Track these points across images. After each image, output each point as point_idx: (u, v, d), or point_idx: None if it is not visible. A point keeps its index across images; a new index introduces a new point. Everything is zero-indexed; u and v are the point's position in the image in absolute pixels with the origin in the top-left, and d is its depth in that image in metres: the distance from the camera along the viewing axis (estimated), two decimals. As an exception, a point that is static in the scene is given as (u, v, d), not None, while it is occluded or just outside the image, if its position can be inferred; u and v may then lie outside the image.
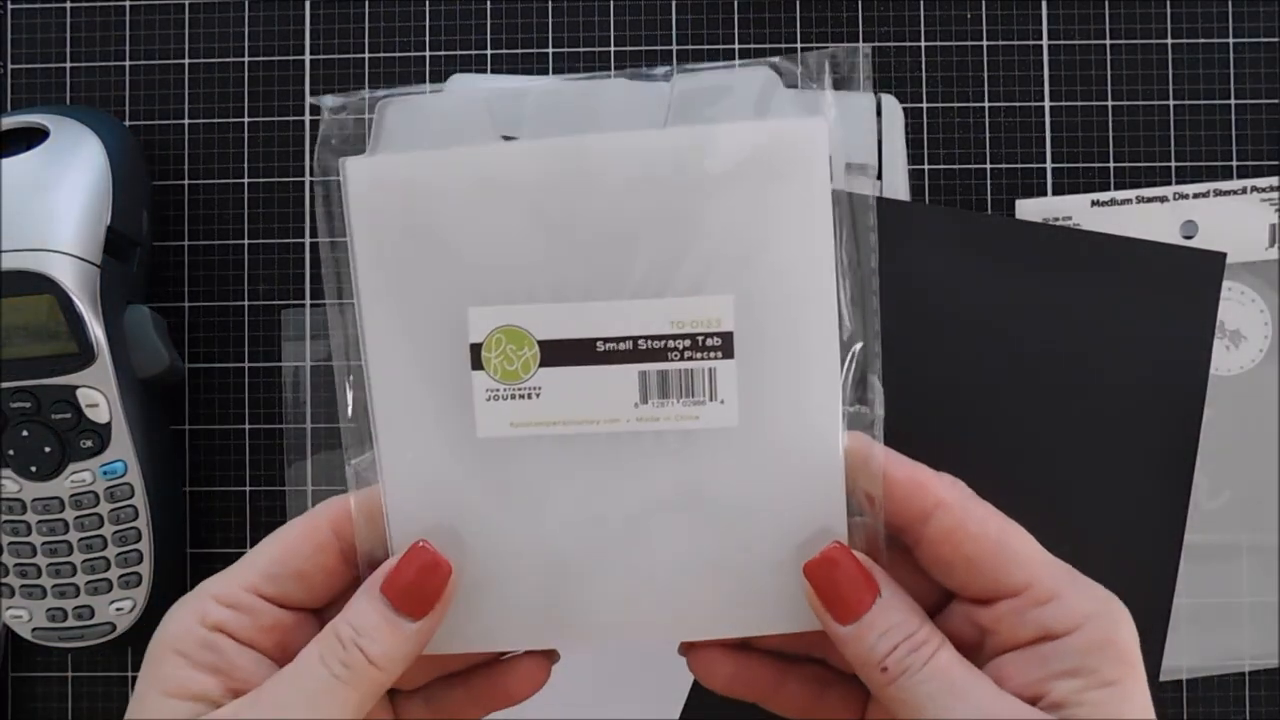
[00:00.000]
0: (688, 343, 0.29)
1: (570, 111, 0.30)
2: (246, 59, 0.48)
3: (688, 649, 0.31)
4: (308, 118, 0.48)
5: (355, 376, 0.30)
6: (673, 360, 0.29)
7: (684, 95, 0.30)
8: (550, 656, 0.32)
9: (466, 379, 0.30)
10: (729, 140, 0.29)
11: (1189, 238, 0.46)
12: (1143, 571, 0.38)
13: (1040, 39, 0.48)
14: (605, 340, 0.29)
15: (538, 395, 0.30)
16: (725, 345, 0.29)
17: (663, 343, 0.29)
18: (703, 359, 0.29)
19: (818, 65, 0.30)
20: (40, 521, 0.43)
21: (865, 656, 0.28)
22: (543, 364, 0.30)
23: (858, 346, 0.30)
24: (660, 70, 0.30)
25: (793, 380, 0.29)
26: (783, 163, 0.29)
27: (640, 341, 0.29)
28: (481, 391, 0.30)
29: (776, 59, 0.30)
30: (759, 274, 0.29)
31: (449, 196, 0.29)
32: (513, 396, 0.30)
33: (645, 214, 0.29)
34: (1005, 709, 0.27)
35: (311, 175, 0.30)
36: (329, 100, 0.31)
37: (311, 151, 0.48)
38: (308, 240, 0.48)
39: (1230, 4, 0.47)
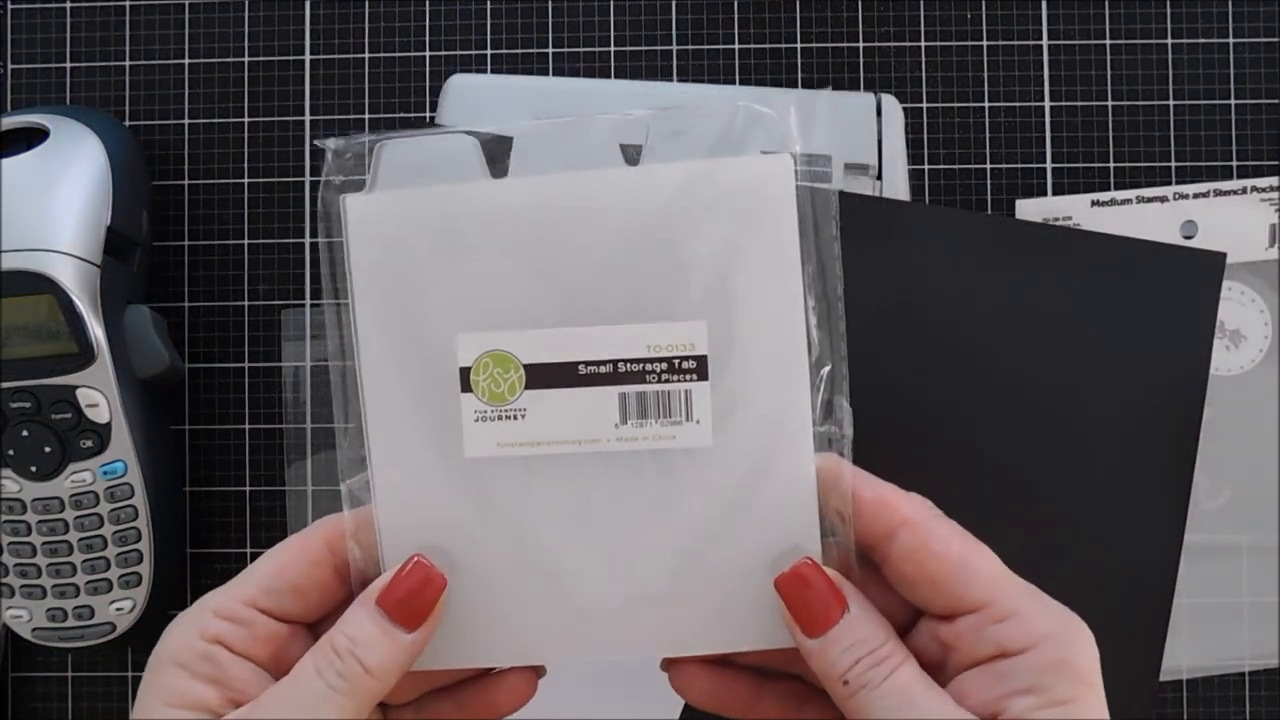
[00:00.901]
0: (664, 365, 0.31)
1: (554, 149, 0.32)
2: (246, 59, 0.48)
3: (668, 664, 0.32)
4: (308, 118, 0.48)
5: (352, 404, 0.32)
6: (650, 382, 0.31)
7: (660, 134, 0.32)
8: (537, 671, 0.32)
9: (456, 401, 0.31)
10: (702, 176, 0.31)
11: (1189, 238, 0.46)
12: (1143, 571, 0.38)
13: (1040, 39, 0.48)
14: (587, 364, 0.31)
15: (523, 416, 0.31)
16: (700, 368, 0.31)
17: (641, 365, 0.31)
18: (679, 381, 0.31)
19: (783, 108, 0.31)
20: (40, 521, 0.43)
21: (829, 670, 0.29)
22: (528, 386, 0.31)
23: (826, 369, 0.31)
24: (639, 112, 0.32)
25: (765, 402, 0.31)
26: (752, 197, 0.31)
27: (620, 365, 0.31)
28: (470, 413, 0.31)
29: (745, 103, 0.32)
30: (731, 302, 0.31)
31: (441, 230, 0.31)
32: (499, 418, 0.31)
33: (623, 246, 0.31)
34: None
35: (313, 212, 0.32)
36: (332, 143, 0.32)
37: (310, 153, 0.48)
38: (308, 240, 0.48)
39: (1230, 4, 0.47)
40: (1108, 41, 0.47)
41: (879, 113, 0.44)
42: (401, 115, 0.48)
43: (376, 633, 0.29)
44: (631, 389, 0.31)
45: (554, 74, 0.48)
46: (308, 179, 0.48)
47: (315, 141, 0.34)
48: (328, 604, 0.31)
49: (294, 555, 0.31)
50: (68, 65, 0.48)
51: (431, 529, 0.31)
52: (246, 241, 0.48)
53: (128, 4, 0.49)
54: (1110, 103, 0.47)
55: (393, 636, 0.29)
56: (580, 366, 0.31)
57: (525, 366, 0.31)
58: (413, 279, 0.31)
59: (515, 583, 0.31)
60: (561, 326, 0.31)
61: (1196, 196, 0.46)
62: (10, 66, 0.48)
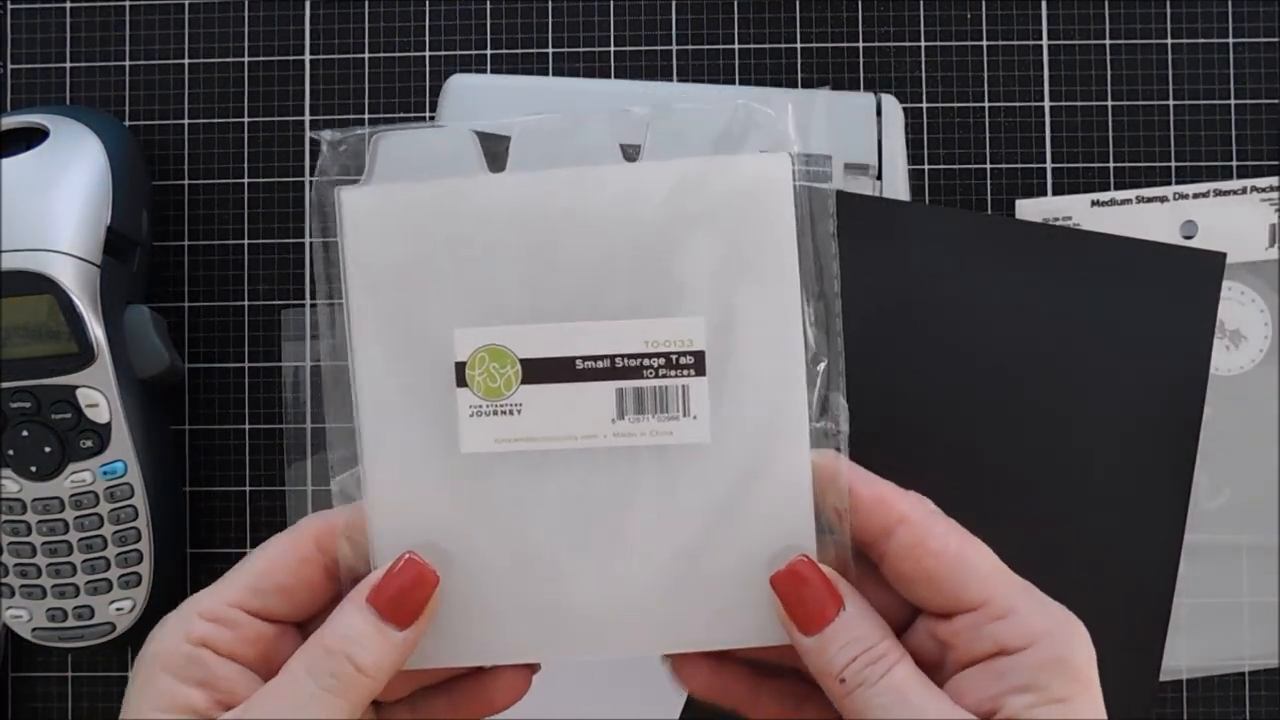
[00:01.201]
0: (662, 361, 0.31)
1: (552, 146, 0.32)
2: (246, 59, 0.48)
3: (667, 656, 0.32)
4: (308, 118, 0.48)
5: (345, 403, 0.31)
6: (648, 378, 0.31)
7: (659, 132, 0.31)
8: (531, 667, 0.32)
9: (451, 397, 0.31)
10: (700, 174, 0.31)
11: (1189, 238, 0.46)
12: (1143, 571, 0.38)
13: (1040, 39, 0.48)
14: (584, 359, 0.31)
15: (519, 411, 0.31)
16: (697, 363, 0.31)
17: (638, 361, 0.31)
18: (676, 376, 0.31)
19: (781, 107, 0.31)
20: (40, 521, 0.43)
21: (825, 668, 0.29)
22: (524, 381, 0.31)
23: (822, 365, 0.31)
24: (639, 110, 0.32)
25: (762, 398, 0.31)
26: (750, 195, 0.31)
27: (617, 360, 0.31)
28: (465, 408, 0.31)
29: (744, 101, 0.32)
30: (729, 298, 0.30)
31: (438, 224, 0.31)
32: (495, 413, 0.31)
33: (621, 242, 0.31)
34: None
35: (308, 204, 0.32)
36: (328, 134, 0.32)
37: (310, 152, 0.48)
38: (308, 240, 0.48)
39: (1230, 4, 0.47)
40: (1108, 41, 0.47)
41: (879, 113, 0.44)
42: (401, 115, 0.48)
43: (368, 631, 0.29)
44: (629, 384, 0.30)
45: (554, 74, 0.48)
46: (308, 179, 0.48)
47: (310, 134, 0.33)
48: (316, 603, 0.31)
49: (282, 554, 0.30)
50: (68, 65, 0.48)
51: (424, 526, 0.31)
52: (246, 241, 0.48)
53: (128, 4, 0.49)
54: (1110, 103, 0.47)
55: (385, 635, 0.29)
56: (577, 361, 0.31)
57: (522, 361, 0.31)
58: (408, 273, 0.31)
59: (510, 580, 0.31)
60: (559, 321, 0.31)
61: (1196, 196, 0.46)
62: (10, 66, 0.49)
